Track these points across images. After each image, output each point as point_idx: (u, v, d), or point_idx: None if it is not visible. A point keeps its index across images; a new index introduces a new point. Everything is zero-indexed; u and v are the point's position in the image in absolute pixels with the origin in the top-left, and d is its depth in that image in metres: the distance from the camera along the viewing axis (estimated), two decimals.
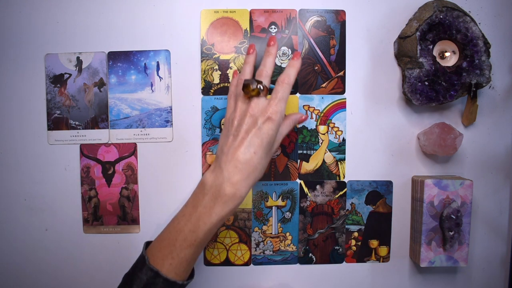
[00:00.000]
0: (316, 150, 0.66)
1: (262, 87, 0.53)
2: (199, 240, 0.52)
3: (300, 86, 0.65)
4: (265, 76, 0.55)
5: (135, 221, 0.66)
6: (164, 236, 0.54)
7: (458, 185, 0.61)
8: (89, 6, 0.64)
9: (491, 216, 0.67)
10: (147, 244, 0.57)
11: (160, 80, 0.65)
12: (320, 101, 0.65)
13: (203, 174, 0.65)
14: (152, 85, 0.65)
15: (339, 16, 0.65)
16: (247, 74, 0.58)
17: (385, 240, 0.67)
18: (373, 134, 0.66)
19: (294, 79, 0.56)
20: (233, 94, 0.58)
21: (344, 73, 0.65)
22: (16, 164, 0.65)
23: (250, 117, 0.52)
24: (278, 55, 0.65)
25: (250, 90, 0.53)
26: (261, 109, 0.52)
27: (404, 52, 0.62)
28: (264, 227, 0.66)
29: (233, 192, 0.51)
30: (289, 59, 0.64)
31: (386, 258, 0.67)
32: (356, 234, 0.67)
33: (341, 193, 0.66)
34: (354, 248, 0.67)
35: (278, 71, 0.65)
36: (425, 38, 0.61)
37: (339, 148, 0.66)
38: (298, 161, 0.66)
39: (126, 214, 0.66)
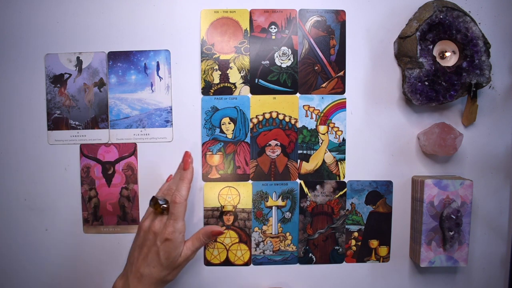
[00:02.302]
0: (316, 150, 0.66)
1: (166, 206, 0.57)
2: None
3: (300, 86, 0.65)
4: (172, 194, 0.57)
5: (135, 221, 0.66)
6: None
7: (458, 185, 0.61)
8: (89, 6, 0.64)
9: (491, 216, 0.67)
10: None
11: (160, 80, 0.65)
12: (320, 101, 0.65)
13: (202, 174, 0.66)
14: (152, 85, 0.65)
15: (339, 16, 0.65)
16: (171, 191, 0.58)
17: (385, 240, 0.67)
18: (373, 134, 0.66)
19: (187, 194, 0.57)
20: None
21: (344, 73, 0.65)
22: (16, 164, 0.65)
23: (152, 234, 0.55)
24: (278, 55, 0.65)
25: (157, 207, 0.56)
26: (162, 227, 0.55)
27: (404, 52, 0.62)
28: (264, 227, 0.66)
29: None
30: (289, 59, 0.65)
31: (386, 258, 0.67)
32: (356, 234, 0.67)
33: (341, 193, 0.66)
34: (354, 248, 0.67)
35: (278, 70, 0.65)
36: (425, 38, 0.61)
37: (339, 148, 0.66)
38: (298, 161, 0.66)
39: (126, 214, 0.66)
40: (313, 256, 0.67)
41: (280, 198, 0.66)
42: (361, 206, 0.66)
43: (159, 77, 0.65)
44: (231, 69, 0.65)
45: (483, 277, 0.68)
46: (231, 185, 0.66)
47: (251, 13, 0.64)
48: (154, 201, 0.57)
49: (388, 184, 0.66)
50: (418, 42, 0.61)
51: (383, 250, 0.67)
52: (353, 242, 0.67)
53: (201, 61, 0.65)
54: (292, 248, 0.66)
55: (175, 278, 0.57)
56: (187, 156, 0.60)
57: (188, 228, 0.66)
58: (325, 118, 0.66)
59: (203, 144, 0.65)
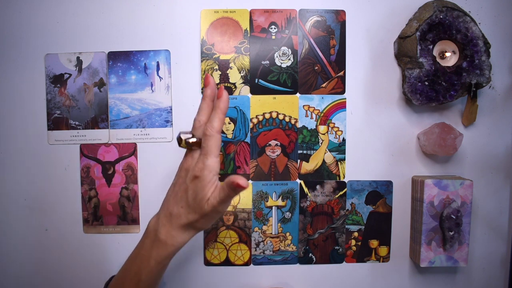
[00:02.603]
0: (316, 150, 0.66)
1: (191, 142, 0.51)
2: (142, 283, 0.51)
3: (300, 86, 0.65)
4: (198, 127, 0.52)
5: (135, 221, 0.66)
6: (118, 276, 0.55)
7: (458, 185, 0.61)
8: (89, 6, 0.64)
9: (491, 216, 0.67)
10: (110, 280, 0.58)
11: (160, 80, 0.65)
12: (320, 101, 0.65)
13: None
14: (152, 85, 0.65)
15: (339, 16, 0.65)
16: (201, 116, 0.52)
17: (385, 240, 0.67)
18: (373, 134, 0.66)
19: (220, 125, 0.50)
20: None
21: (344, 73, 0.65)
22: (16, 164, 0.65)
23: (184, 171, 0.51)
24: (278, 55, 0.65)
25: (181, 143, 0.51)
26: (193, 164, 0.51)
27: (404, 52, 0.62)
28: (264, 227, 0.66)
29: (165, 239, 0.51)
30: (289, 59, 0.65)
31: (386, 258, 0.67)
32: (356, 234, 0.67)
33: (341, 193, 0.66)
34: (354, 248, 0.67)
35: (278, 70, 0.65)
36: (425, 38, 0.61)
37: (339, 148, 0.66)
38: (298, 161, 0.66)
39: (126, 214, 0.66)
40: (313, 256, 0.67)
41: (280, 198, 0.66)
42: (361, 206, 0.66)
43: (159, 77, 0.65)
44: (231, 69, 0.65)
45: (483, 277, 0.68)
46: None
47: (251, 13, 0.64)
48: (178, 137, 0.51)
49: (388, 184, 0.66)
50: (418, 42, 0.61)
51: (383, 250, 0.67)
52: (353, 242, 0.67)
53: (201, 61, 0.65)
54: (292, 248, 0.66)
55: (206, 227, 0.52)
56: (221, 88, 0.52)
57: None
58: (325, 118, 0.66)
59: None
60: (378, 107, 0.66)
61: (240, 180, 0.47)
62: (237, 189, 0.48)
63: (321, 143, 0.66)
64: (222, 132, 0.65)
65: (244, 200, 0.66)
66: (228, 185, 0.48)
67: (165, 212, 0.51)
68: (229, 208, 0.66)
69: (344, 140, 0.66)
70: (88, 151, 0.65)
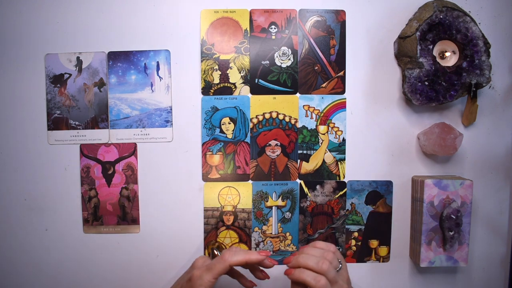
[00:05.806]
0: (316, 150, 0.66)
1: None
2: None
3: (300, 86, 0.65)
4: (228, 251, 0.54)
5: (135, 221, 0.66)
6: None
7: (458, 185, 0.61)
8: (89, 6, 0.64)
9: (491, 216, 0.67)
10: None
11: (160, 80, 0.65)
12: (320, 101, 0.65)
13: (202, 174, 0.66)
14: (152, 85, 0.65)
15: (339, 16, 0.65)
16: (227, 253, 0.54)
17: (385, 240, 0.67)
18: (373, 134, 0.66)
19: (237, 262, 0.53)
20: None
21: (344, 73, 0.65)
22: (16, 164, 0.65)
23: (191, 267, 0.57)
24: (278, 55, 0.65)
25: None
26: (198, 265, 0.56)
27: (404, 52, 0.62)
28: (264, 227, 0.66)
29: None
30: (289, 59, 0.65)
31: (386, 258, 0.67)
32: (356, 234, 0.67)
33: (341, 193, 0.66)
34: (354, 248, 0.67)
35: (278, 70, 0.65)
36: (425, 38, 0.61)
37: (339, 148, 0.66)
38: (298, 161, 0.66)
39: (126, 214, 0.66)
40: None
41: (280, 198, 0.66)
42: (361, 206, 0.66)
43: (159, 77, 0.65)
44: (231, 69, 0.65)
45: (483, 277, 0.68)
46: (231, 185, 0.66)
47: (251, 13, 0.64)
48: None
49: (388, 184, 0.66)
50: (418, 42, 0.61)
51: (383, 250, 0.67)
52: (353, 242, 0.67)
53: (201, 61, 0.65)
54: (292, 248, 0.66)
55: None
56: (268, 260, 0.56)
57: (188, 230, 0.66)
58: (325, 118, 0.66)
59: (203, 144, 0.65)
60: (378, 107, 0.66)
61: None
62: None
63: (321, 143, 0.66)
64: (222, 131, 0.65)
65: (244, 200, 0.66)
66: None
67: None
68: (229, 208, 0.66)
69: (344, 140, 0.66)
70: (88, 151, 0.65)
